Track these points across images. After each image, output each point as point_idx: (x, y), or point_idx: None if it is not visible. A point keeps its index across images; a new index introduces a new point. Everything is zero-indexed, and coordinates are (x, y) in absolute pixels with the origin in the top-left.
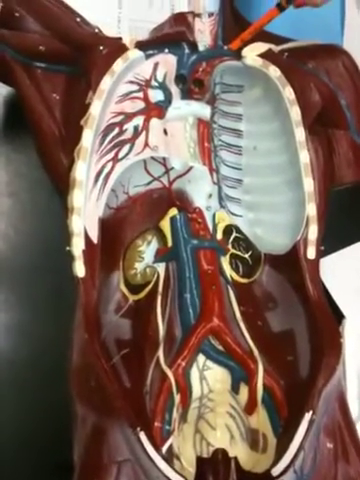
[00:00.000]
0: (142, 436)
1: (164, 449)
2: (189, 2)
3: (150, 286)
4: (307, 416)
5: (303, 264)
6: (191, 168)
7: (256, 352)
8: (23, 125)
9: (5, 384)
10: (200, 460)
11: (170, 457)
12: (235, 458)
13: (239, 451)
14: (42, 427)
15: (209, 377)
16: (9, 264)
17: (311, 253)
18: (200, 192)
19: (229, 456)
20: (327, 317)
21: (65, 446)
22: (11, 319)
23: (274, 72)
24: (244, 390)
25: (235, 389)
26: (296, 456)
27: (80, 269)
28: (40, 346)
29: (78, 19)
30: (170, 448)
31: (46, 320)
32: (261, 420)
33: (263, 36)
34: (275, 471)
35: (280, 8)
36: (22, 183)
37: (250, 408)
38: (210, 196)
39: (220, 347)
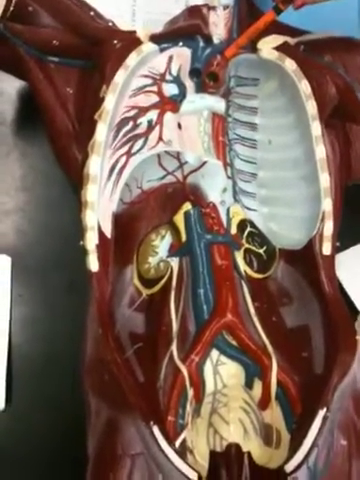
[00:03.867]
0: (156, 430)
1: (177, 443)
2: None
3: (164, 280)
4: (321, 413)
5: (318, 260)
6: (205, 163)
7: (270, 348)
8: (37, 119)
9: (21, 378)
10: (213, 454)
11: (183, 451)
12: (248, 453)
13: (253, 446)
14: (57, 420)
15: (223, 372)
16: (24, 258)
17: (327, 249)
18: (214, 187)
19: (242, 451)
20: (343, 314)
21: (81, 439)
22: (26, 314)
23: (290, 65)
24: (258, 385)
25: (249, 384)
26: (310, 453)
27: (94, 263)
28: (55, 340)
29: (92, 13)
30: (183, 442)
31: (61, 314)
32: (275, 416)
33: (279, 28)
34: (288, 467)
35: (277, 11)
36: (37, 177)
37: (264, 403)
38: (224, 190)
39: (234, 342)
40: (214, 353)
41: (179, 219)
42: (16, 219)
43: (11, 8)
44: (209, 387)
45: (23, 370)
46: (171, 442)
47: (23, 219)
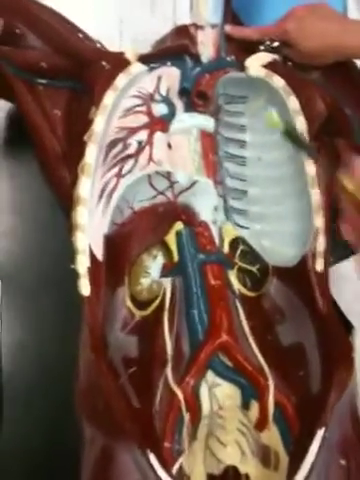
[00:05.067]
0: (152, 458)
1: (174, 469)
2: (191, 12)
3: (157, 302)
4: (320, 433)
5: (312, 277)
6: (196, 182)
7: (266, 368)
8: (26, 140)
9: (12, 402)
10: (211, 478)
11: (180, 477)
12: (246, 475)
13: (250, 468)
14: (50, 446)
15: (218, 394)
16: (14, 282)
17: (320, 265)
18: (206, 206)
19: (240, 473)
20: (338, 331)
21: (75, 465)
22: (16, 337)
23: (278, 82)
24: (255, 407)
25: (245, 406)
26: (309, 475)
27: (85, 287)
28: (46, 364)
29: (80, 34)
30: (180, 468)
31: (52, 338)
32: (273, 437)
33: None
34: None
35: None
36: (26, 199)
37: (261, 425)
38: (216, 209)
39: (229, 363)
40: (210, 375)
41: (171, 239)
42: (6, 241)
43: None
44: (205, 409)
45: (14, 393)
46: (168, 469)
47: (13, 242)
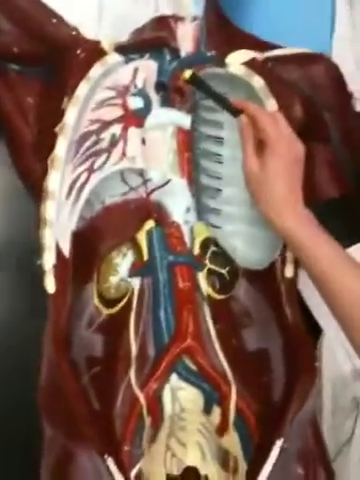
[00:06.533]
0: (110, 463)
1: (133, 473)
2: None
3: (124, 301)
4: (278, 443)
5: (280, 283)
6: (169, 181)
7: (230, 374)
8: None
9: None
10: (170, 478)
11: None
12: (206, 476)
13: (210, 470)
14: (13, 443)
15: (181, 397)
16: None
17: (289, 271)
18: (178, 206)
19: (200, 474)
20: (303, 340)
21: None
22: None
23: (257, 83)
24: (216, 412)
25: (207, 410)
26: None
27: (50, 284)
28: (16, 360)
29: (54, 20)
30: (139, 472)
31: (21, 334)
32: (232, 443)
33: (250, 41)
34: None
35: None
36: None
37: (222, 430)
38: (188, 210)
39: (194, 367)
40: (173, 378)
41: (141, 237)
42: None
43: None
44: (167, 411)
45: None
46: (126, 473)
47: None
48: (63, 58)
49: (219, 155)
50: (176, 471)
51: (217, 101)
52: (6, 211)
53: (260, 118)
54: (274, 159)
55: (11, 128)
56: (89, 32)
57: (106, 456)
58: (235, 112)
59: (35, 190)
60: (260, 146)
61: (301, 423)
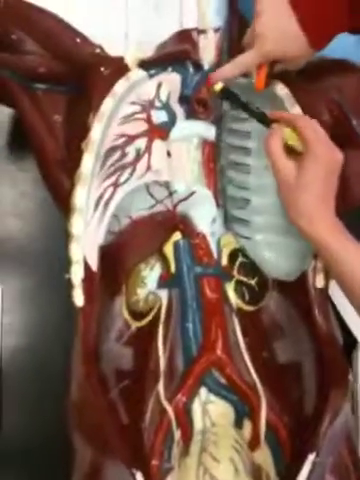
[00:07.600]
0: (138, 477)
1: None
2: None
3: (153, 313)
4: (311, 457)
5: (311, 293)
6: (194, 192)
7: (260, 387)
8: (29, 145)
9: (12, 405)
10: None
11: None
12: None
13: None
14: (48, 449)
15: (211, 411)
16: (15, 287)
17: (320, 281)
18: (204, 217)
19: None
20: (336, 351)
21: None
22: (16, 342)
23: (281, 90)
24: (248, 425)
25: (238, 424)
26: None
27: (79, 298)
28: (47, 369)
29: (78, 39)
30: None
31: (53, 343)
32: (264, 458)
33: None
34: None
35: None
36: (28, 203)
37: (254, 444)
38: (214, 221)
39: (223, 380)
40: (203, 391)
41: (168, 249)
42: (8, 246)
43: None
44: (197, 426)
45: (14, 397)
46: None
47: (15, 246)
48: (88, 76)
49: (246, 165)
50: None
51: (249, 112)
52: (44, 223)
53: (300, 123)
54: (315, 164)
55: (40, 145)
56: (117, 48)
57: (134, 470)
58: (268, 123)
59: (63, 205)
60: (290, 154)
61: (334, 436)
